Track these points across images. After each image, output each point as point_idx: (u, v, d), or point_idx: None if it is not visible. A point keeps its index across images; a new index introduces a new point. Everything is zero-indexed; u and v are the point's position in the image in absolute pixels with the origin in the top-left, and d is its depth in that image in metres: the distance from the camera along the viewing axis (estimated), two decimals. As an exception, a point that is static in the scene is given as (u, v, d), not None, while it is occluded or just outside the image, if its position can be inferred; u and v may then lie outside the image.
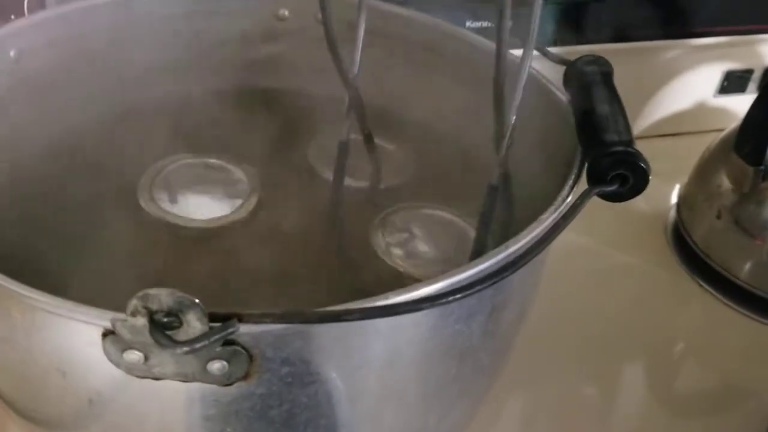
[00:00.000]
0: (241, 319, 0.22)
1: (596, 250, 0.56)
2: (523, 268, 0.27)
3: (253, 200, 0.40)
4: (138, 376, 0.24)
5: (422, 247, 0.39)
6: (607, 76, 0.35)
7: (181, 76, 0.45)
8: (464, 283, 0.24)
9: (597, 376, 0.46)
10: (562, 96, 0.36)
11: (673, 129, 0.67)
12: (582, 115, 0.33)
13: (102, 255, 0.35)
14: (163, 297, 0.21)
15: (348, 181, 0.43)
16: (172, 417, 0.26)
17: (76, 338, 0.24)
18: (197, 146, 0.43)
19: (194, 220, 0.39)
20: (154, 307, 0.21)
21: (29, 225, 0.35)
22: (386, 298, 0.23)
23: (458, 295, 0.23)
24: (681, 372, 0.48)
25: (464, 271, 0.24)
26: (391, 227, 0.40)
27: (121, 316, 0.22)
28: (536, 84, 0.37)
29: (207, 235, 0.38)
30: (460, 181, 0.43)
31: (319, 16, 0.45)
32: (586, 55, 0.36)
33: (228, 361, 0.24)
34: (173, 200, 0.40)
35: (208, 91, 0.46)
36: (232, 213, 0.39)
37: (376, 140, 0.44)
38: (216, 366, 0.24)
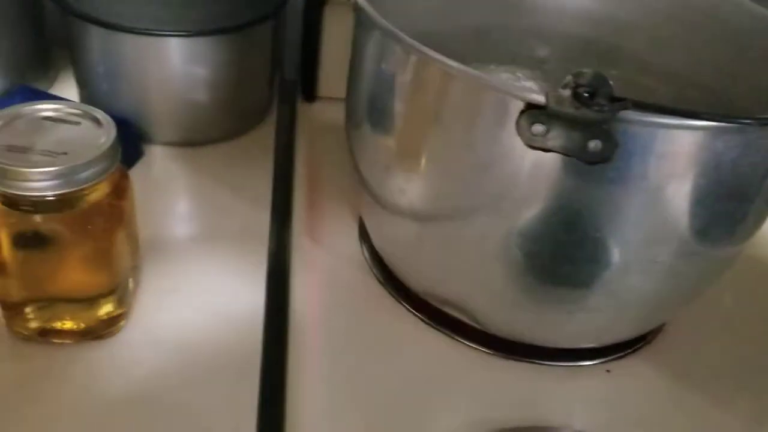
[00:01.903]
0: (633, 104, 0.33)
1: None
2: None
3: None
4: (533, 147, 0.35)
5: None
6: None
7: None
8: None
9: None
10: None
11: None
12: None
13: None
14: (588, 74, 0.32)
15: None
16: (542, 187, 0.37)
17: (497, 112, 0.36)
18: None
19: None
20: (581, 82, 0.33)
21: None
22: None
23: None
24: None
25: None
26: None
27: (553, 89, 0.33)
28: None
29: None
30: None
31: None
32: None
33: (602, 143, 0.34)
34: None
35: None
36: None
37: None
38: (592, 144, 0.34)
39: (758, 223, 0.42)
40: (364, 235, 0.53)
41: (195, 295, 0.47)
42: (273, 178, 0.57)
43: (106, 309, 0.42)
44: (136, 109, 0.57)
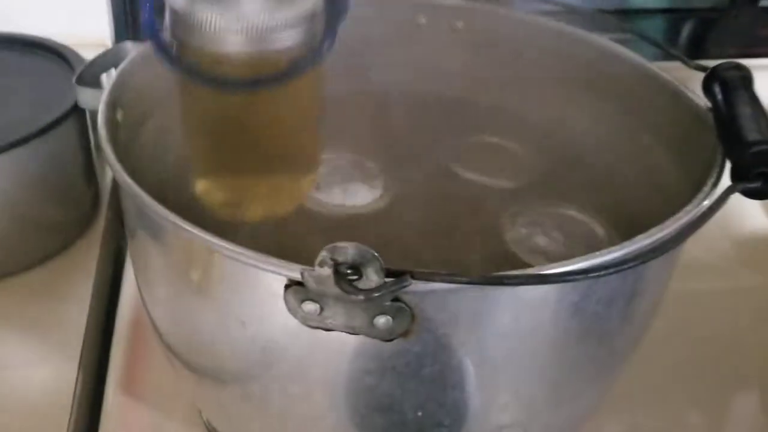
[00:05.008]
0: (413, 275, 0.24)
1: (719, 269, 0.55)
2: (661, 258, 0.28)
3: (389, 194, 0.44)
4: (311, 327, 0.27)
5: (549, 244, 0.41)
6: (747, 80, 0.36)
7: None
8: (614, 261, 0.26)
9: (710, 403, 0.46)
10: (701, 102, 0.37)
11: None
12: (724, 118, 0.34)
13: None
14: (349, 249, 0.24)
15: (478, 177, 0.45)
16: (336, 368, 0.29)
17: (261, 288, 0.27)
18: (339, 143, 0.46)
19: (340, 206, 0.43)
20: (340, 258, 0.24)
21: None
22: (548, 269, 0.25)
23: (611, 270, 0.25)
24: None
25: (616, 251, 0.26)
26: (519, 223, 0.42)
27: (309, 267, 0.25)
28: (674, 90, 0.39)
29: (349, 221, 0.42)
30: (582, 180, 0.44)
31: (457, 23, 0.48)
32: (726, 62, 0.37)
33: (393, 317, 0.26)
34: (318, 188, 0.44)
35: (351, 91, 0.49)
36: (373, 202, 0.43)
37: (501, 141, 0.47)
38: (381, 321, 0.26)
39: (634, 347, 0.34)
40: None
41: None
42: (88, 312, 0.48)
43: None
44: None
